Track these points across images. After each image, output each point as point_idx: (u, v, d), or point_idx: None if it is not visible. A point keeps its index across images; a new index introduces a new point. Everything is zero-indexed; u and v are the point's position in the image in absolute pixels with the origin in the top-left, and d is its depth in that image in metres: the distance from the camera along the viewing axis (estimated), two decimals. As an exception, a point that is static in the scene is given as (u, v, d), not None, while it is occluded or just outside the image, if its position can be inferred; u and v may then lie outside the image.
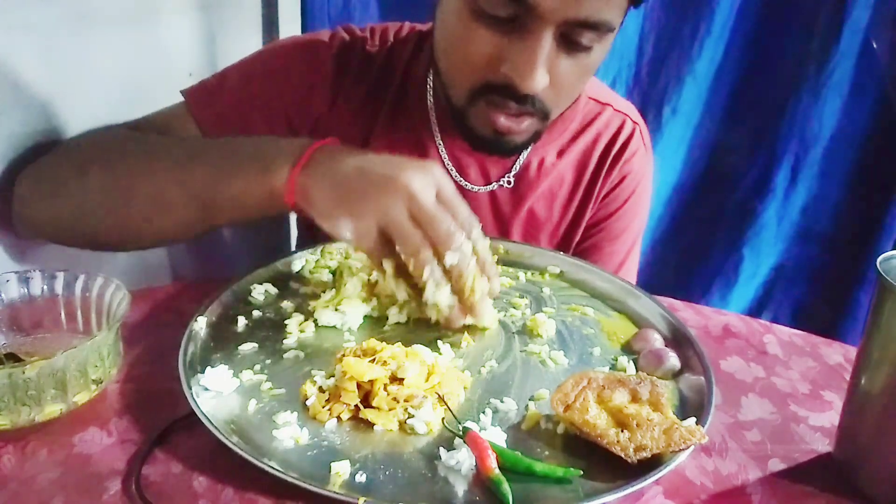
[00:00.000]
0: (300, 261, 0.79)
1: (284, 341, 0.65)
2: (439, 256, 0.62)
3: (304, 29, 1.27)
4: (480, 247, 0.65)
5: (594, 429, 0.53)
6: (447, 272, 0.62)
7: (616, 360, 0.67)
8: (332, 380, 0.58)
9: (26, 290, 0.62)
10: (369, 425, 0.56)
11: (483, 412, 0.58)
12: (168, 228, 0.72)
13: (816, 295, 1.55)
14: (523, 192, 0.92)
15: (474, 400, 0.60)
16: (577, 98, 0.89)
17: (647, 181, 1.00)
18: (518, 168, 0.91)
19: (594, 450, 0.53)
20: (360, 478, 0.50)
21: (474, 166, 0.91)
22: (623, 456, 0.52)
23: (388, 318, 0.70)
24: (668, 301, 0.78)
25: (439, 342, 0.66)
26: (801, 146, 1.43)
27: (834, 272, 1.52)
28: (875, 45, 1.33)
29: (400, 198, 0.60)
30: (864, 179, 1.44)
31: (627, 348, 0.70)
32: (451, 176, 0.90)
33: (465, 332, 0.68)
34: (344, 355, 0.58)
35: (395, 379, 0.57)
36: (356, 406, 0.56)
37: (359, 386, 0.57)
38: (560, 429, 0.57)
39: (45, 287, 0.63)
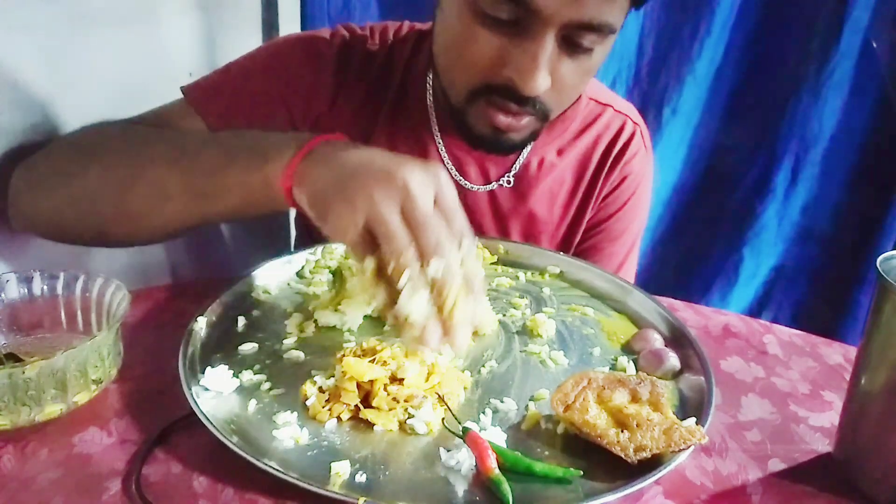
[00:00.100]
0: (300, 261, 0.79)
1: (284, 341, 0.65)
2: (423, 263, 0.56)
3: (303, 29, 1.27)
4: (470, 264, 0.59)
5: (594, 429, 0.53)
6: (432, 286, 0.57)
7: (616, 360, 0.67)
8: (332, 380, 0.58)
9: (26, 290, 0.62)
10: (369, 425, 0.56)
11: (483, 412, 0.58)
12: (166, 220, 0.70)
13: (816, 295, 1.56)
14: (523, 192, 0.92)
15: (474, 400, 0.60)
16: (578, 98, 0.90)
17: (648, 182, 1.00)
18: (518, 167, 0.91)
19: (594, 450, 0.53)
20: (360, 478, 0.50)
21: (474, 166, 0.91)
22: (623, 456, 0.52)
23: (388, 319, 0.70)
24: (668, 301, 0.78)
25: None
26: (801, 146, 1.43)
27: (834, 272, 1.52)
28: (875, 45, 1.33)
29: (395, 192, 0.56)
30: (864, 179, 1.44)
31: (627, 348, 0.70)
32: (451, 175, 0.90)
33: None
34: (344, 356, 0.58)
35: (395, 379, 0.57)
36: (356, 406, 0.56)
37: (359, 386, 0.57)
38: (560, 429, 0.57)
39: (45, 287, 0.63)
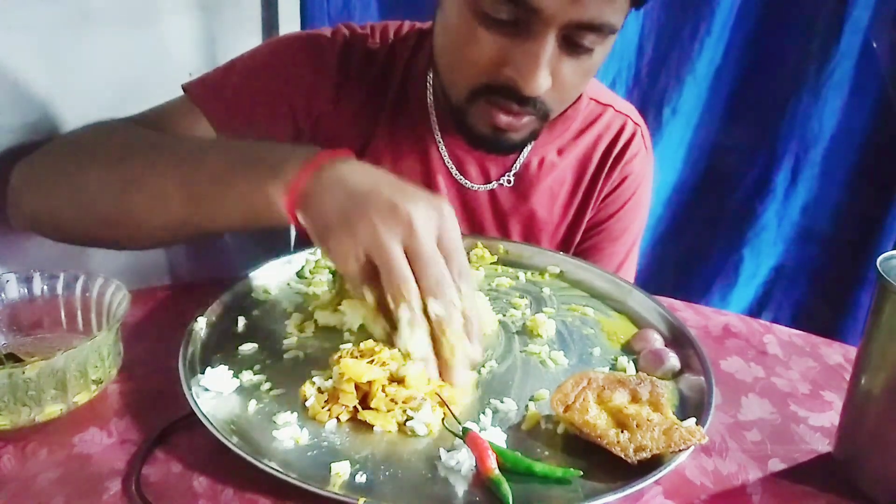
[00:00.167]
0: (300, 261, 0.79)
1: (284, 342, 0.65)
2: (424, 301, 0.57)
3: (303, 29, 1.27)
4: (469, 304, 0.59)
5: (594, 429, 0.53)
6: (428, 320, 0.57)
7: (616, 360, 0.67)
8: (331, 381, 0.58)
9: (26, 290, 0.62)
10: (369, 426, 0.56)
11: (483, 412, 0.58)
12: (166, 228, 0.70)
13: (816, 295, 1.56)
14: (524, 192, 0.92)
15: (474, 400, 0.60)
16: (579, 98, 0.90)
17: (648, 182, 1.00)
18: (518, 167, 0.91)
19: (594, 450, 0.53)
20: (360, 478, 0.50)
21: (474, 165, 0.91)
22: (623, 456, 0.52)
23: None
24: (668, 301, 0.78)
25: None
26: (801, 146, 1.43)
27: (834, 272, 1.52)
28: (875, 45, 1.33)
29: (398, 227, 0.56)
30: (864, 179, 1.44)
31: (627, 348, 0.70)
32: (450, 174, 0.90)
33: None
34: (341, 357, 0.58)
35: (394, 380, 0.57)
36: (354, 407, 0.56)
37: (357, 387, 0.57)
38: (560, 429, 0.57)
39: (45, 287, 0.63)
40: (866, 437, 0.54)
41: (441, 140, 0.89)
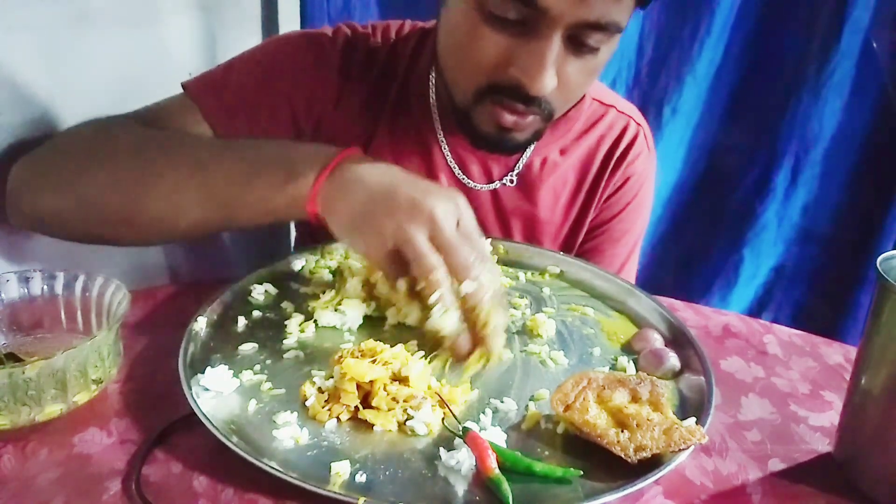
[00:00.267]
0: (300, 261, 0.79)
1: (284, 341, 0.65)
2: (455, 282, 0.61)
3: (303, 29, 1.27)
4: (495, 282, 0.65)
5: (594, 429, 0.53)
6: (460, 299, 0.62)
7: (616, 360, 0.67)
8: (332, 381, 0.58)
9: (26, 290, 0.62)
10: (369, 425, 0.56)
11: (483, 412, 0.58)
12: (181, 228, 0.71)
13: (816, 295, 1.55)
14: (526, 192, 0.92)
15: (474, 400, 0.60)
16: (582, 99, 0.89)
17: (650, 183, 1.00)
18: (521, 167, 0.91)
19: (594, 450, 0.53)
20: (360, 478, 0.50)
21: (477, 164, 0.91)
22: (623, 456, 0.52)
23: (387, 319, 0.70)
24: (668, 301, 0.78)
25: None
26: (801, 146, 1.43)
27: (834, 272, 1.52)
28: (875, 46, 1.33)
29: (423, 222, 0.61)
30: (864, 180, 1.44)
31: (627, 348, 0.70)
32: (453, 174, 0.90)
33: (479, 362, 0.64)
34: (342, 357, 0.58)
35: (395, 378, 0.58)
36: (355, 407, 0.56)
37: (358, 386, 0.57)
38: (560, 429, 0.57)
39: (45, 287, 0.63)
40: (866, 437, 0.54)
41: (444, 140, 0.89)
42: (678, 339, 0.69)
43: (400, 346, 0.61)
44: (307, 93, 0.86)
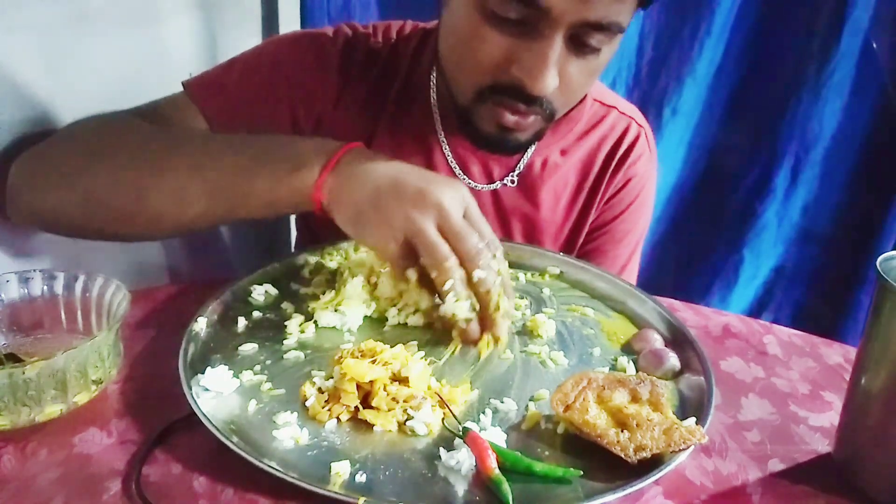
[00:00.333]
0: (300, 261, 0.79)
1: (284, 342, 0.65)
2: (465, 271, 0.63)
3: (303, 29, 1.27)
4: (503, 268, 0.66)
5: (594, 429, 0.53)
6: (471, 285, 0.63)
7: (616, 360, 0.67)
8: (331, 381, 0.58)
9: (26, 290, 0.62)
10: (369, 425, 0.56)
11: (483, 412, 0.58)
12: (185, 221, 0.71)
13: (816, 295, 1.55)
14: (527, 192, 0.92)
15: (474, 400, 0.60)
16: (583, 99, 0.89)
17: (652, 185, 1.00)
18: (522, 167, 0.91)
19: (594, 450, 0.53)
20: (360, 478, 0.50)
21: (478, 165, 0.91)
22: (623, 456, 0.52)
23: (387, 320, 0.70)
24: (668, 301, 0.78)
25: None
26: (801, 147, 1.43)
27: (834, 273, 1.52)
28: (875, 46, 1.33)
29: (431, 211, 0.62)
30: (864, 180, 1.44)
31: (627, 348, 0.70)
32: (454, 174, 0.90)
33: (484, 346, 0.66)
34: (342, 357, 0.58)
35: (395, 379, 0.58)
36: (355, 407, 0.56)
37: (358, 386, 0.57)
38: (560, 429, 0.57)
39: (45, 287, 0.63)
40: (866, 437, 0.54)
41: (444, 140, 0.89)
42: (678, 339, 0.69)
43: (400, 347, 0.61)
44: (307, 92, 0.86)
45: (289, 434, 0.54)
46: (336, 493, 0.48)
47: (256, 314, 0.69)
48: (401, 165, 0.66)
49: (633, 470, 0.51)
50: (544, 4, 0.65)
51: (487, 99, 0.75)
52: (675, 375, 0.65)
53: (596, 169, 0.93)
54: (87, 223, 0.72)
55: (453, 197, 0.63)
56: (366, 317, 0.70)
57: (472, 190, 0.91)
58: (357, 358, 0.58)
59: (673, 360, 0.65)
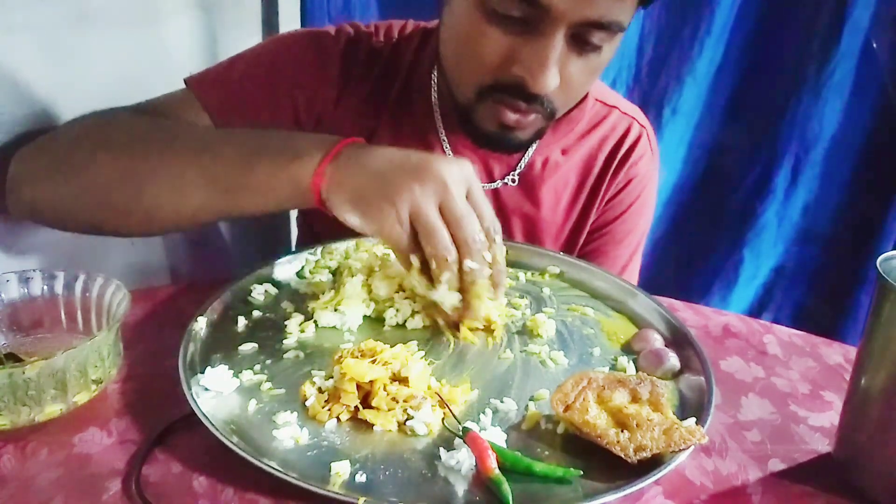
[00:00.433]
0: (300, 261, 0.79)
1: (284, 341, 0.65)
2: (459, 260, 0.62)
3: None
4: (500, 253, 0.66)
5: (594, 429, 0.53)
6: (459, 270, 0.63)
7: (616, 360, 0.67)
8: (331, 381, 0.58)
9: (26, 290, 0.62)
10: (369, 425, 0.56)
11: (483, 412, 0.58)
12: (184, 214, 0.70)
13: (816, 295, 1.55)
14: (527, 191, 0.92)
15: (474, 400, 0.60)
16: (584, 98, 0.89)
17: (653, 185, 1.00)
18: (523, 166, 0.91)
19: (594, 450, 0.53)
20: (360, 478, 0.50)
21: (478, 164, 0.90)
22: (623, 456, 0.52)
23: (387, 320, 0.70)
24: (668, 301, 0.78)
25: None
26: (801, 147, 1.43)
27: (834, 273, 1.52)
28: (875, 46, 1.33)
29: (434, 185, 0.60)
30: (864, 180, 1.44)
31: (627, 348, 0.70)
32: None
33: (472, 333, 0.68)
34: (342, 356, 0.58)
35: (395, 379, 0.58)
36: (355, 407, 0.56)
37: (358, 386, 0.57)
38: (560, 429, 0.57)
39: (45, 287, 0.63)
40: (866, 437, 0.54)
41: (445, 138, 0.89)
42: (678, 339, 0.69)
43: (400, 346, 0.61)
44: (308, 91, 0.86)
45: (289, 434, 0.54)
46: (336, 493, 0.48)
47: (256, 314, 0.69)
48: (401, 150, 0.65)
49: (633, 470, 0.51)
50: (545, 3, 0.65)
51: (488, 97, 0.75)
52: (675, 375, 0.65)
53: (597, 169, 0.93)
54: (86, 216, 0.72)
55: (458, 174, 0.62)
56: (365, 317, 0.70)
57: None
58: (357, 358, 0.58)
59: (673, 360, 0.65)
